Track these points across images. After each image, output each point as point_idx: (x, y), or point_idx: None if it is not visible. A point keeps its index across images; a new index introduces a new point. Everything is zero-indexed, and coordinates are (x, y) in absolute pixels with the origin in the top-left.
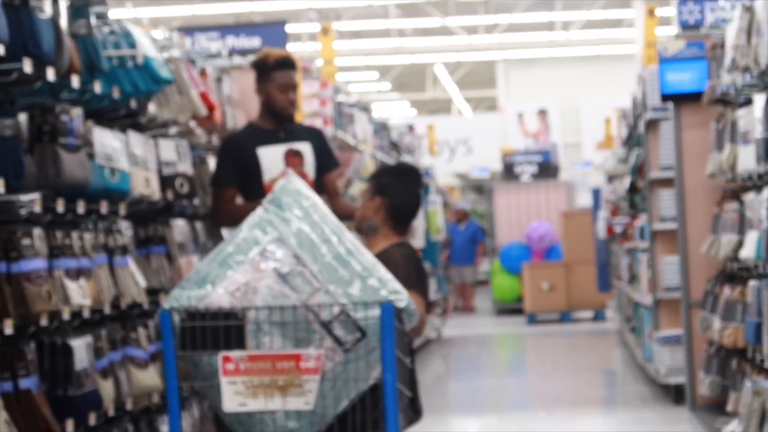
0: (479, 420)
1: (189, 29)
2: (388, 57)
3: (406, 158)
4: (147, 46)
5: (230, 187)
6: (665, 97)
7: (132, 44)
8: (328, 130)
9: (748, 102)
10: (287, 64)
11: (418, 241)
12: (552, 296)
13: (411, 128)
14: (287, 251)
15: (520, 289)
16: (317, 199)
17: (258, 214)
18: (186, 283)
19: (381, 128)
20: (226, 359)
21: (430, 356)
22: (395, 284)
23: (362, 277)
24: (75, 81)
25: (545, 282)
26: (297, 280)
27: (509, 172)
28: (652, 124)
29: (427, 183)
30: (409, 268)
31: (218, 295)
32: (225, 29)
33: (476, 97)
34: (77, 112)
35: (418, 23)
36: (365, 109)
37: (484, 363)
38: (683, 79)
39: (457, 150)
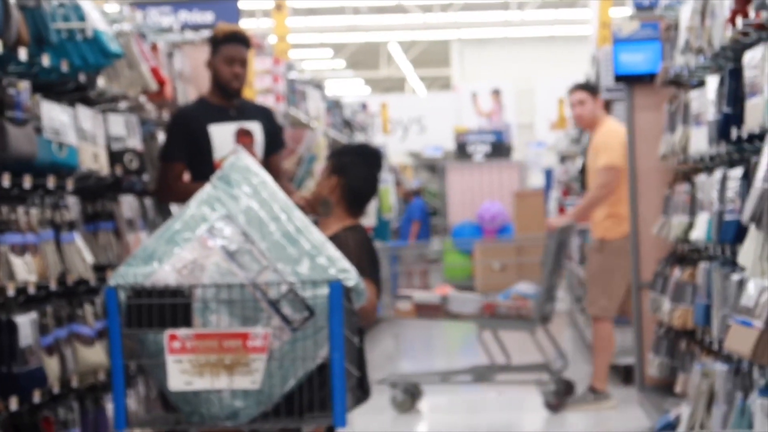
0: (429, 400)
1: (141, 3)
2: (343, 34)
3: (359, 136)
4: (97, 19)
5: (179, 162)
6: (618, 78)
7: (81, 17)
8: (281, 107)
9: (701, 84)
10: (236, 38)
11: (369, 220)
12: (503, 275)
13: (364, 106)
14: (235, 229)
15: (472, 269)
16: (267, 177)
17: (206, 190)
18: (132, 260)
19: (334, 106)
20: (173, 337)
21: (380, 335)
22: (344, 263)
23: (311, 255)
24: (23, 54)
25: (496, 261)
26: (245, 258)
27: (462, 151)
28: (606, 105)
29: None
30: (361, 253)
31: (165, 273)
32: (177, 4)
33: (430, 76)
34: (24, 85)
35: (372, 1)
36: (318, 86)
37: (434, 342)
38: (637, 60)
39: (410, 129)
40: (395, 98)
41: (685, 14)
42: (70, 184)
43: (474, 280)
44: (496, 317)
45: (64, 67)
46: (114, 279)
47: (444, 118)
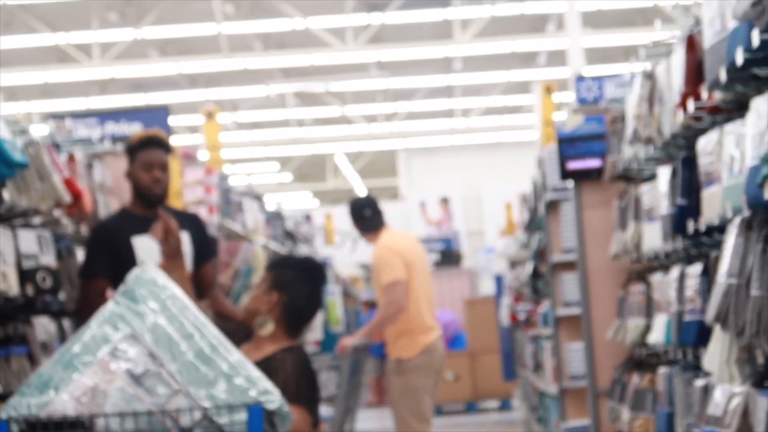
0: None
1: (64, 115)
2: (289, 147)
3: (303, 248)
4: None
5: (101, 278)
6: (565, 175)
7: None
8: (214, 219)
9: (652, 177)
10: (153, 142)
11: (316, 334)
12: (457, 386)
13: (308, 217)
14: (141, 349)
15: None
16: (176, 290)
17: (108, 308)
18: (26, 388)
19: (274, 217)
20: None
21: None
22: (265, 383)
23: (228, 376)
24: None
25: (450, 372)
26: (153, 382)
27: None
28: (553, 206)
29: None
30: (299, 378)
31: (62, 402)
32: (103, 115)
33: (378, 186)
34: None
35: (317, 112)
36: (257, 197)
37: None
38: (583, 156)
39: (359, 240)
40: (343, 210)
41: (632, 102)
42: None
43: None
44: None
45: None
46: (5, 411)
47: (393, 227)
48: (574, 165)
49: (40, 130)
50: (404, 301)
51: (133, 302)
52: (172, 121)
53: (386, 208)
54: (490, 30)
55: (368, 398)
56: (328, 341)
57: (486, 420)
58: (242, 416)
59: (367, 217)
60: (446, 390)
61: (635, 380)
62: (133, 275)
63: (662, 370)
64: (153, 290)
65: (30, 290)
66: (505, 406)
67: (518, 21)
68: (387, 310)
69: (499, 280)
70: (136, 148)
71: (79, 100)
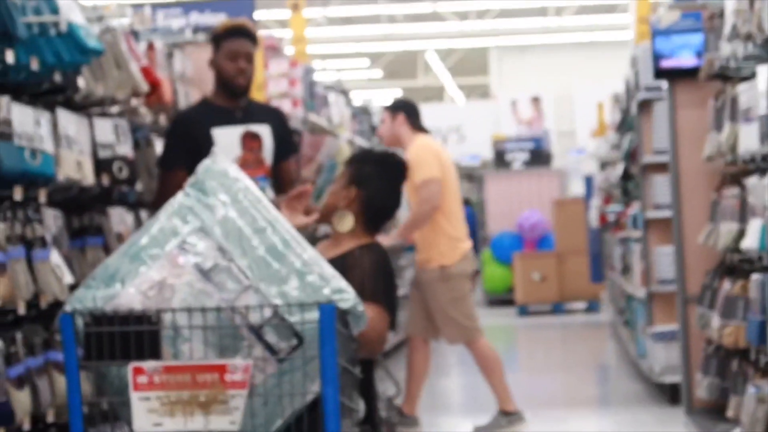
0: (462, 420)
1: (147, 5)
2: (379, 43)
3: None
4: (73, 12)
5: (180, 169)
6: (658, 74)
7: (55, 9)
8: (298, 113)
9: (751, 76)
10: (239, 32)
11: None
12: (544, 287)
13: None
14: (210, 243)
15: (511, 280)
16: (249, 182)
17: (178, 200)
18: (92, 280)
19: (361, 112)
20: (138, 371)
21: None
22: (340, 282)
23: (300, 273)
24: None
25: (536, 272)
26: (222, 277)
27: (500, 159)
28: (645, 105)
29: None
30: (377, 276)
31: (129, 295)
32: (188, 5)
33: (468, 84)
34: None
35: (408, 8)
36: (342, 92)
37: (471, 358)
38: (678, 53)
39: (449, 138)
40: (433, 107)
41: None
42: (42, 196)
43: (514, 292)
44: None
45: (34, 64)
46: (70, 303)
47: (483, 126)
48: (668, 63)
49: (122, 20)
50: (438, 199)
51: (203, 194)
52: (259, 14)
53: (476, 106)
54: None
55: None
56: None
57: (572, 321)
58: (314, 315)
59: (407, 114)
60: (533, 291)
61: (726, 286)
62: (203, 166)
63: (755, 277)
64: (224, 182)
65: (106, 180)
66: (591, 308)
67: None
68: (421, 208)
69: (588, 181)
70: (222, 37)
71: None
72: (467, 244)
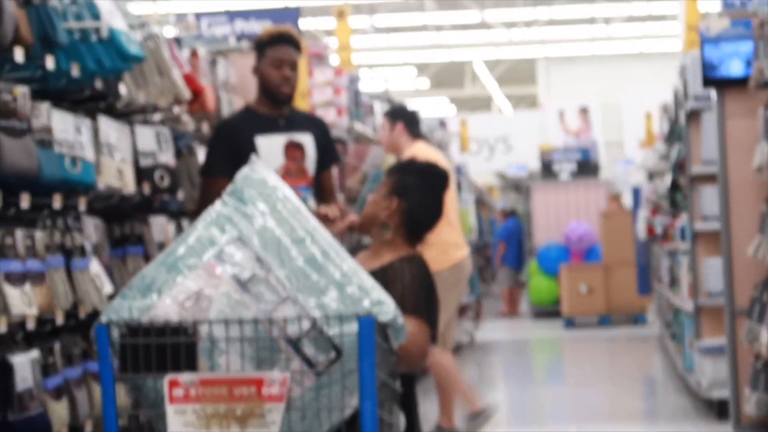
0: None
1: (194, 13)
2: (426, 52)
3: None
4: (114, 17)
5: (222, 177)
6: (707, 82)
7: (96, 15)
8: (343, 122)
9: None
10: (284, 39)
11: None
12: (590, 299)
13: (442, 123)
14: (249, 253)
15: (558, 292)
16: (288, 191)
17: (216, 209)
18: (128, 291)
19: None
20: (174, 383)
21: (461, 363)
22: (380, 293)
23: (340, 284)
24: (18, 55)
25: (583, 284)
26: (260, 288)
27: (547, 170)
28: (694, 115)
29: (459, 181)
30: (418, 289)
31: (165, 306)
32: (234, 13)
33: (516, 94)
34: (22, 90)
35: (455, 17)
36: (388, 100)
37: (517, 370)
38: (727, 61)
39: (496, 148)
40: (480, 117)
41: None
42: (82, 204)
43: (560, 304)
44: None
45: (75, 71)
46: (106, 314)
47: (530, 136)
48: (717, 72)
49: (166, 28)
50: None
51: (241, 203)
52: (304, 22)
53: (524, 116)
54: None
55: (500, 308)
56: None
57: (619, 334)
58: (353, 327)
59: (406, 122)
60: (579, 303)
61: None
62: (241, 174)
63: None
64: (263, 191)
65: (147, 189)
66: (638, 320)
67: None
68: None
69: (636, 192)
70: (266, 44)
71: (219, 1)
72: (462, 252)
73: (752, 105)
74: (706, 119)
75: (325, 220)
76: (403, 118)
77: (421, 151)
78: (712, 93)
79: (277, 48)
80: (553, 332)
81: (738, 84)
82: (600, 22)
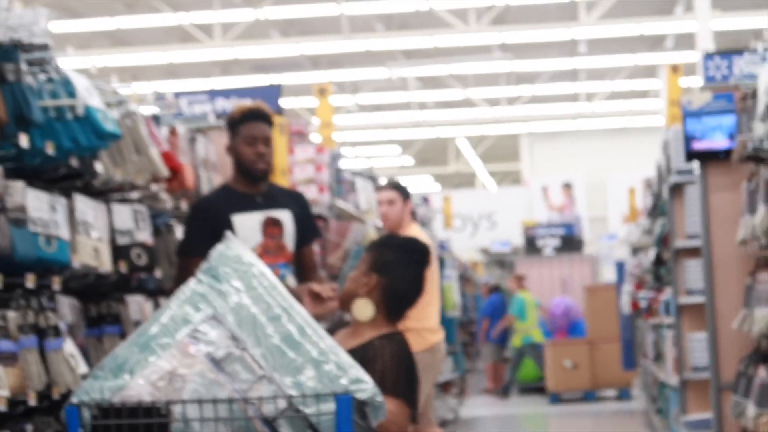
0: None
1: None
2: (410, 130)
3: None
4: (91, 95)
5: (200, 256)
6: (690, 156)
7: (72, 93)
8: (325, 199)
9: None
10: (255, 115)
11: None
12: (576, 374)
13: (425, 200)
14: (223, 331)
15: (543, 368)
16: (263, 268)
17: (190, 286)
18: (100, 371)
19: None
20: None
21: None
22: (358, 371)
23: (317, 362)
24: None
25: (568, 360)
26: (235, 367)
27: (531, 245)
28: (677, 189)
29: (443, 257)
30: (398, 367)
31: (138, 386)
32: (214, 92)
33: (500, 170)
34: None
35: (439, 95)
36: (370, 177)
37: None
38: (710, 135)
39: (480, 224)
40: (464, 194)
41: (765, 76)
42: (56, 283)
43: (545, 380)
44: None
45: (50, 149)
46: (77, 395)
47: (514, 212)
48: (700, 145)
49: (144, 106)
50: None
51: (215, 281)
52: (286, 101)
53: (508, 192)
54: (617, 12)
55: (484, 385)
56: (445, 326)
57: (604, 409)
58: (330, 406)
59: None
60: (564, 378)
61: (762, 374)
62: (216, 252)
63: None
64: (238, 268)
65: (124, 267)
66: (623, 395)
67: (645, 2)
68: None
69: (620, 267)
70: (238, 122)
71: (200, 81)
72: (437, 337)
73: (736, 178)
74: (689, 193)
75: (317, 299)
76: (411, 197)
77: (420, 233)
78: (696, 166)
79: (249, 125)
80: (539, 408)
81: (721, 157)
82: (583, 99)
